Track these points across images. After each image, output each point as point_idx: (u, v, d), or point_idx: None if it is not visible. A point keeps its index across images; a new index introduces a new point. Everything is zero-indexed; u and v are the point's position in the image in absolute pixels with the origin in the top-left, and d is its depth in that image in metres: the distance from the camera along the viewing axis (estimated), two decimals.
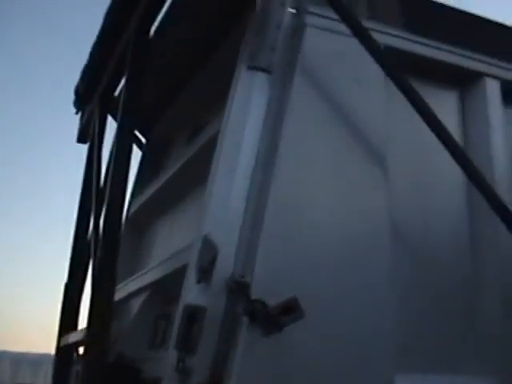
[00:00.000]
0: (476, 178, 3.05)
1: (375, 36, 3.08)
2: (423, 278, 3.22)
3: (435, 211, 3.40)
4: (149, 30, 3.92)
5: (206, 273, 2.70)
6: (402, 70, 3.09)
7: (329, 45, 3.19)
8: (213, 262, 2.69)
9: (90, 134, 5.21)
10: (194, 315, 2.65)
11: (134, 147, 5.34)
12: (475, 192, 3.10)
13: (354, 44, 3.04)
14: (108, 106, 4.83)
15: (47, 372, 12.60)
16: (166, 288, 3.71)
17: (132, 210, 5.15)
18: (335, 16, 3.06)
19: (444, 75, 3.63)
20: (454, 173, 3.22)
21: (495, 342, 3.27)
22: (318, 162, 2.97)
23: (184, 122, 4.85)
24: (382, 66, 3.02)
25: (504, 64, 3.74)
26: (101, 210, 4.18)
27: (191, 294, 2.73)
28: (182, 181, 4.17)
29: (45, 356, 15.49)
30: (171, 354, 2.68)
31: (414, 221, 3.29)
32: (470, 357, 3.24)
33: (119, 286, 4.16)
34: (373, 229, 2.99)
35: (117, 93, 4.79)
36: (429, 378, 3.07)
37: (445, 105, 3.61)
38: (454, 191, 3.49)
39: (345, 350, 2.76)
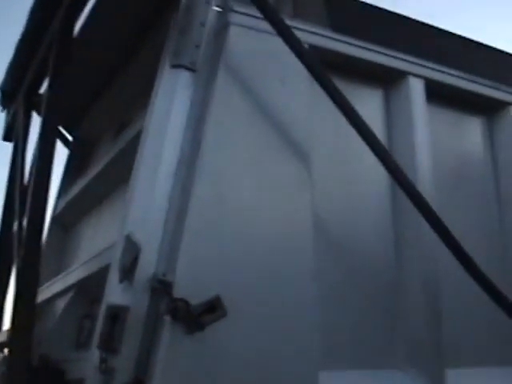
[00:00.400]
0: (400, 178, 3.08)
1: (299, 35, 3.08)
2: (347, 277, 3.24)
3: (359, 211, 3.43)
4: (72, 29, 3.86)
5: (128, 272, 2.67)
6: (326, 69, 3.11)
7: (253, 43, 3.19)
8: (135, 261, 2.67)
9: (15, 132, 5.12)
10: (116, 315, 2.62)
11: (61, 145, 5.33)
12: (399, 192, 3.14)
13: (278, 43, 3.03)
14: (33, 103, 4.75)
15: None
16: (91, 288, 3.65)
17: (58, 208, 5.08)
18: (260, 15, 3.06)
19: (368, 74, 3.66)
20: (378, 172, 3.26)
21: (418, 342, 3.31)
22: (240, 161, 2.96)
23: (110, 120, 4.79)
24: (306, 65, 3.03)
25: (428, 63, 3.79)
26: (24, 209, 4.11)
27: (114, 293, 2.71)
28: (106, 179, 4.12)
29: None
30: (94, 355, 2.65)
31: (337, 220, 3.31)
32: (393, 355, 3.28)
33: (44, 287, 4.10)
34: (296, 228, 2.99)
35: (42, 90, 4.71)
36: (352, 376, 3.09)
37: (369, 104, 3.65)
38: (378, 191, 3.52)
39: (268, 348, 2.75)
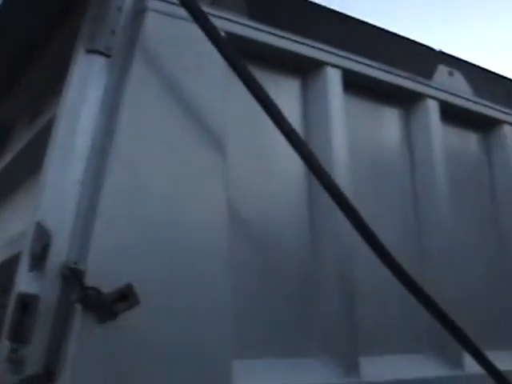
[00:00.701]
0: (316, 169, 3.10)
1: (216, 22, 3.06)
2: (262, 265, 3.24)
3: (275, 202, 3.42)
4: None
5: (38, 260, 2.62)
6: (243, 58, 3.09)
7: (170, 30, 3.15)
8: (46, 249, 2.62)
9: None
10: (26, 304, 2.57)
11: None
12: (316, 183, 3.15)
13: (196, 30, 3.00)
14: None
15: None
16: (2, 277, 3.58)
17: None
18: (177, 1, 3.03)
19: (286, 63, 3.65)
20: (295, 163, 3.27)
21: (332, 331, 3.35)
22: (154, 149, 2.92)
23: (27, 107, 4.69)
24: (222, 52, 3.01)
25: (345, 53, 3.80)
26: None
27: (24, 282, 2.65)
28: (20, 166, 4.04)
29: None
30: (4, 345, 2.59)
31: (253, 212, 3.29)
32: (308, 344, 3.30)
33: None
34: (210, 219, 2.97)
35: None
36: (267, 363, 3.09)
37: (286, 93, 3.64)
38: (293, 179, 3.52)
39: (180, 337, 2.74)
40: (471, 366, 3.55)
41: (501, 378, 3.39)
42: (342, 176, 3.46)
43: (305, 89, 3.73)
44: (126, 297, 2.57)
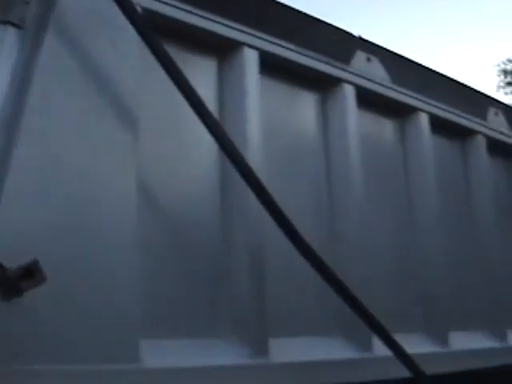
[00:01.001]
0: (229, 149, 3.08)
1: None
2: (171, 245, 3.22)
3: (187, 178, 3.40)
4: None
5: None
6: (159, 35, 3.05)
7: (86, 3, 3.08)
8: None
9: None
10: None
11: None
12: (229, 163, 3.14)
13: (111, 4, 2.94)
14: None
15: None
16: None
17: None
18: None
19: (203, 43, 3.61)
20: (208, 143, 3.23)
21: (241, 311, 3.35)
22: (65, 124, 2.85)
23: None
24: (136, 28, 2.96)
25: (263, 34, 3.78)
26: None
27: None
28: None
29: None
30: None
31: (164, 186, 3.26)
32: (216, 325, 3.31)
33: None
34: (119, 195, 2.93)
35: None
36: (176, 343, 3.07)
37: (202, 73, 3.61)
38: (207, 162, 3.50)
39: (87, 316, 2.70)
40: (380, 349, 3.60)
41: (409, 360, 3.44)
42: (255, 158, 3.45)
43: (221, 69, 3.70)
44: (31, 273, 2.49)
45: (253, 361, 3.27)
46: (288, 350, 3.45)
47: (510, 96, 28.09)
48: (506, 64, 27.52)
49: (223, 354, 3.21)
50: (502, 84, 27.75)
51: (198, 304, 3.25)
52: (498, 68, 28.08)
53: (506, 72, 27.54)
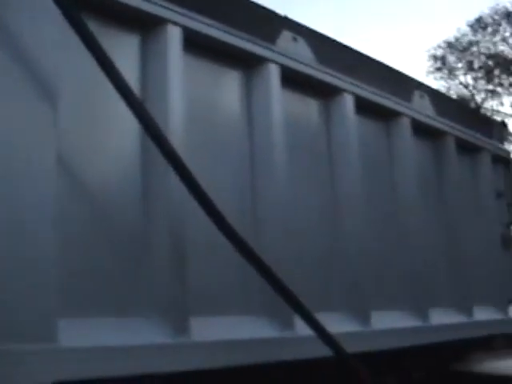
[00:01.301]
0: (150, 128, 3.05)
1: None
2: (90, 222, 3.19)
3: (108, 155, 3.36)
4: None
5: None
6: (81, 10, 2.99)
7: None
8: None
9: None
10: None
11: None
12: (151, 142, 3.10)
13: None
14: None
15: None
16: None
17: None
18: None
19: (126, 18, 3.55)
20: (130, 120, 3.17)
21: (162, 290, 3.33)
22: None
23: None
24: (58, 3, 2.90)
25: (186, 11, 3.72)
26: None
27: None
28: None
29: None
30: None
31: (83, 167, 3.22)
32: (137, 304, 3.28)
33: None
34: (38, 166, 2.87)
35: None
36: (94, 322, 3.04)
37: (125, 49, 3.56)
38: (128, 136, 3.45)
39: (6, 293, 2.66)
40: (302, 328, 3.61)
41: (330, 339, 3.46)
42: (177, 137, 3.42)
43: (144, 46, 3.64)
44: None
45: (173, 340, 3.26)
46: (209, 328, 3.44)
47: (439, 81, 28.48)
48: (435, 49, 27.84)
49: (143, 333, 3.19)
50: (431, 69, 28.07)
51: (118, 282, 3.22)
52: (429, 53, 28.40)
53: (435, 57, 27.87)
